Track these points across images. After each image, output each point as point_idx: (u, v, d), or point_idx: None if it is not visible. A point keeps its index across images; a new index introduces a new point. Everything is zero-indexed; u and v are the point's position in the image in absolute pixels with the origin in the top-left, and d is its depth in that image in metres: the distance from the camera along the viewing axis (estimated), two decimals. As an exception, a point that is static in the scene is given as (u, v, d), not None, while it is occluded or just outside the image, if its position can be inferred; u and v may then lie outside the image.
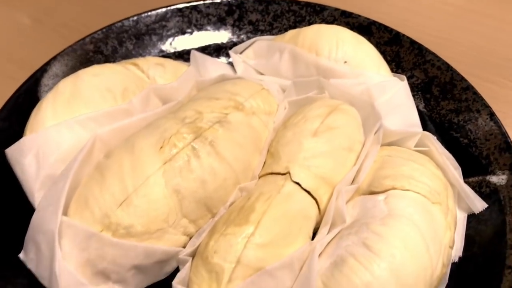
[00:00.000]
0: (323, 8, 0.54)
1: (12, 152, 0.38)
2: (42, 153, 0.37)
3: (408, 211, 0.34)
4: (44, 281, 0.33)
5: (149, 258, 0.34)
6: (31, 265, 0.34)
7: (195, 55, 0.49)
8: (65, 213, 0.34)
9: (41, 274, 0.33)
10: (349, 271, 0.31)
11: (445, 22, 0.63)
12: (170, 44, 0.54)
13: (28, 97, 0.45)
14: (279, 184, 0.36)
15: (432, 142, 0.41)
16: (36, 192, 0.36)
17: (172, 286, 0.32)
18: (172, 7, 0.54)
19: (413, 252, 0.32)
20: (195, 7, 0.55)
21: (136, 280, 0.35)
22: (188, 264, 0.34)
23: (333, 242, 0.34)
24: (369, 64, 0.46)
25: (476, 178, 0.42)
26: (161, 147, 0.35)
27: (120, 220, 0.33)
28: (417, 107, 0.48)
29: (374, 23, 0.52)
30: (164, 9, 0.54)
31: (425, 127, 0.47)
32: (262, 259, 0.32)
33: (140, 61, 0.45)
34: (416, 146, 0.41)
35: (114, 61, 0.51)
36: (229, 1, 0.55)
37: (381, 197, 0.36)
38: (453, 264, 0.37)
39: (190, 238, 0.36)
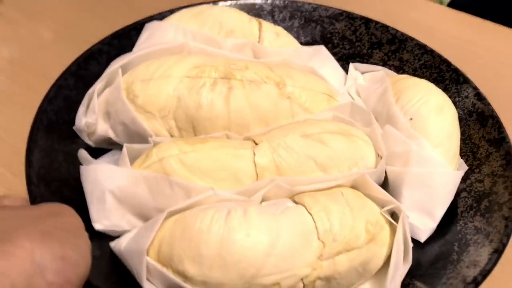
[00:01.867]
0: (465, 80, 0.52)
1: (146, 25, 0.53)
2: (152, 34, 0.51)
3: (286, 223, 0.35)
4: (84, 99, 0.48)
5: (133, 125, 0.44)
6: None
7: (321, 49, 0.55)
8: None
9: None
10: (201, 215, 0.36)
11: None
12: (325, 39, 0.60)
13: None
14: (243, 146, 0.42)
15: (402, 222, 0.38)
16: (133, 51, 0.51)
17: (123, 147, 0.43)
18: (347, 12, 0.60)
19: (251, 244, 0.34)
20: (367, 22, 0.59)
21: (122, 136, 0.46)
22: (147, 145, 0.43)
23: (227, 202, 0.38)
24: (432, 136, 0.45)
25: (421, 286, 0.38)
26: (196, 67, 0.45)
27: (135, 89, 0.45)
28: (458, 208, 0.44)
29: (494, 117, 0.48)
30: (339, 11, 0.60)
31: (443, 228, 0.43)
32: (175, 171, 0.39)
33: (266, 23, 0.54)
34: (393, 216, 0.40)
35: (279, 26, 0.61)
36: (396, 32, 0.58)
37: (290, 204, 0.38)
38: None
39: (171, 138, 0.45)
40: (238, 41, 0.51)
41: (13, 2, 0.72)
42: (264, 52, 0.51)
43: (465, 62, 0.58)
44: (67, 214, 0.32)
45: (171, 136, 0.45)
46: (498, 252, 0.37)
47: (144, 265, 0.35)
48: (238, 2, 0.61)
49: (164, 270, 0.35)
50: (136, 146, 0.43)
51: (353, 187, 0.41)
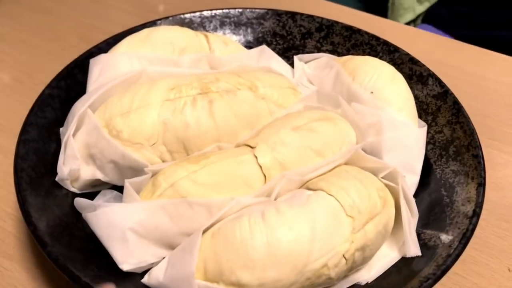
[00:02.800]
0: (396, 49, 0.58)
1: (91, 62, 0.52)
2: (104, 68, 0.50)
3: (316, 209, 0.38)
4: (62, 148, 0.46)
5: (124, 160, 0.44)
6: (61, 136, 0.47)
7: (264, 49, 0.58)
8: (95, 110, 0.47)
9: (62, 142, 0.46)
10: (238, 224, 0.37)
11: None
12: (258, 39, 0.64)
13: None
14: (242, 152, 0.43)
15: (401, 182, 0.43)
16: (88, 90, 0.50)
17: (125, 182, 0.42)
18: (273, 10, 0.64)
19: (295, 236, 0.36)
20: (293, 15, 0.64)
21: (112, 175, 0.45)
22: (147, 176, 0.43)
23: (252, 206, 0.40)
24: (393, 102, 0.50)
25: (432, 231, 0.43)
26: (172, 89, 0.45)
27: (116, 124, 0.44)
28: (429, 159, 0.50)
29: (432, 75, 0.55)
30: (265, 10, 0.64)
31: (424, 179, 0.48)
32: (190, 192, 0.40)
33: (212, 35, 0.56)
34: (386, 179, 0.44)
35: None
36: (322, 20, 0.63)
37: (309, 192, 0.40)
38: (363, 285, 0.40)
39: (163, 164, 0.46)
40: (193, 56, 0.52)
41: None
42: (219, 62, 0.53)
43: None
44: None
45: (163, 161, 0.45)
46: (482, 185, 0.44)
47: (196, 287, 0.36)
48: (169, 19, 0.62)
49: (216, 285, 0.36)
50: (137, 179, 0.43)
51: (348, 163, 0.45)
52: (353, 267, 0.39)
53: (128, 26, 0.61)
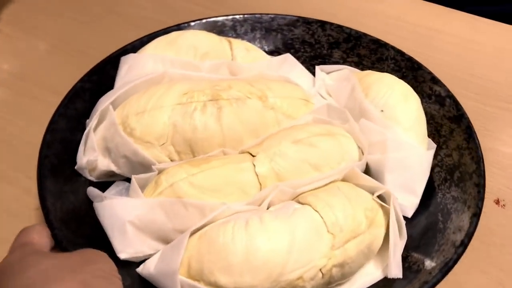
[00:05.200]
0: (419, 67, 0.58)
1: (122, 60, 0.56)
2: (131, 67, 0.54)
3: (298, 222, 0.40)
4: (82, 139, 0.51)
5: (135, 156, 0.48)
6: (86, 127, 0.52)
7: (287, 57, 0.59)
8: (117, 106, 0.51)
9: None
10: (222, 229, 0.40)
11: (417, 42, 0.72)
12: (287, 45, 0.65)
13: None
14: (243, 160, 0.46)
15: (393, 203, 0.44)
16: (115, 87, 0.54)
17: (132, 178, 0.46)
18: (304, 18, 0.65)
19: (273, 247, 0.38)
20: (323, 24, 0.65)
21: (124, 168, 0.49)
22: (153, 173, 0.46)
23: (240, 213, 0.42)
24: (402, 121, 0.50)
25: (419, 256, 0.44)
26: (185, 94, 0.48)
27: (131, 122, 0.48)
28: (434, 182, 0.50)
29: (451, 97, 0.54)
30: (296, 18, 0.65)
31: (425, 201, 0.49)
32: (187, 194, 0.43)
33: (235, 41, 0.58)
34: (381, 199, 0.45)
35: (242, 39, 0.65)
36: (351, 31, 0.63)
37: (297, 205, 0.42)
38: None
39: (171, 162, 0.49)
40: (214, 62, 0.55)
41: (10, 19, 0.77)
42: (239, 68, 0.55)
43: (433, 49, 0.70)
44: (101, 260, 0.36)
45: (172, 160, 0.49)
46: (476, 216, 0.44)
47: (178, 283, 0.39)
48: (202, 21, 0.65)
49: (197, 283, 0.39)
50: (143, 175, 0.46)
51: (345, 179, 0.46)
52: (331, 281, 0.41)
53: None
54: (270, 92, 0.51)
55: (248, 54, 0.57)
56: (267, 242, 0.39)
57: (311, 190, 0.45)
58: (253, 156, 0.46)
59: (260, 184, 0.45)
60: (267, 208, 0.44)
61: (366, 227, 0.42)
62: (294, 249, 0.39)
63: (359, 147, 0.49)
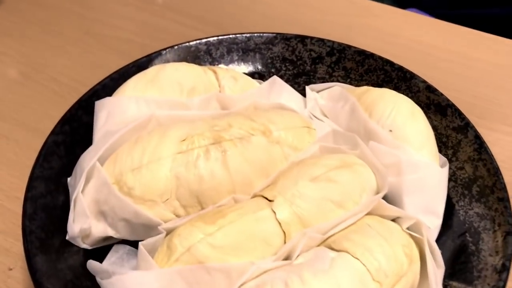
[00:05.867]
0: (412, 76, 0.56)
1: (97, 105, 0.50)
2: (111, 113, 0.48)
3: (341, 275, 0.36)
4: (71, 205, 0.44)
5: (137, 218, 0.42)
6: (70, 188, 0.46)
7: (275, 80, 0.55)
8: (103, 160, 0.45)
9: (71, 197, 0.45)
10: (259, 295, 0.36)
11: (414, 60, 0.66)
12: (267, 65, 0.61)
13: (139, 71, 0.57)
14: (260, 207, 0.41)
15: (426, 233, 0.41)
16: (95, 138, 0.48)
17: (139, 245, 0.41)
18: (281, 34, 0.61)
19: (321, 309, 0.35)
20: (302, 39, 0.61)
21: (124, 232, 0.43)
22: (161, 236, 0.41)
23: (272, 271, 0.38)
24: (413, 141, 0.48)
25: (459, 284, 0.41)
26: (183, 140, 0.43)
27: (127, 180, 0.42)
28: (452, 198, 0.48)
29: (451, 106, 0.53)
30: (273, 34, 0.61)
31: (447, 221, 0.47)
32: (208, 257, 0.38)
33: (220, 70, 0.53)
34: (410, 229, 0.42)
35: (217, 65, 0.61)
36: (333, 43, 0.60)
37: (332, 254, 0.39)
38: None
39: (177, 219, 0.44)
40: (203, 97, 0.50)
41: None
42: (230, 100, 0.51)
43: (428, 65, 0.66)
44: None
45: (177, 216, 0.44)
46: (511, 234, 0.42)
47: None
48: (174, 48, 0.59)
49: None
50: (151, 240, 0.41)
51: (370, 213, 0.43)
52: (381, 331, 0.38)
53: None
54: (272, 126, 0.47)
55: (236, 83, 0.53)
56: (314, 305, 0.35)
57: (340, 231, 0.41)
58: (269, 200, 0.42)
59: (284, 232, 0.41)
60: (297, 257, 0.40)
61: (408, 266, 0.39)
62: (343, 307, 0.35)
63: (374, 173, 0.46)
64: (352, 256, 0.38)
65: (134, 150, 0.43)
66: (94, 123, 0.49)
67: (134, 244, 0.43)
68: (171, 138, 0.44)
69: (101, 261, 0.43)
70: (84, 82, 0.55)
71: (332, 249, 0.40)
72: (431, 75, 0.58)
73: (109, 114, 0.48)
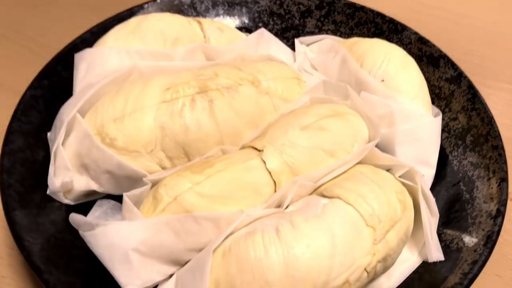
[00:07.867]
0: (403, 28, 0.54)
1: (76, 57, 0.47)
2: (92, 65, 0.46)
3: (334, 220, 0.35)
4: (51, 158, 0.42)
5: (121, 170, 0.40)
6: (50, 143, 0.44)
7: (263, 32, 0.53)
8: (84, 113, 0.43)
9: (51, 151, 0.43)
10: (251, 243, 0.34)
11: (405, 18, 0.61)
12: (254, 19, 0.59)
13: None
14: (249, 157, 0.40)
15: (419, 180, 0.40)
16: (75, 91, 0.46)
17: (123, 196, 0.39)
18: (269, -14, 0.59)
19: (314, 253, 0.33)
20: (291, -7, 0.59)
21: (108, 185, 0.42)
22: (146, 187, 0.40)
23: (262, 219, 0.37)
24: (406, 90, 0.46)
25: (454, 232, 0.41)
26: (167, 89, 0.41)
27: (109, 131, 0.40)
28: (445, 149, 0.47)
29: (444, 56, 0.51)
30: (260, -13, 0.59)
31: (440, 171, 0.46)
32: (196, 206, 0.37)
33: (205, 21, 0.51)
34: (404, 177, 0.41)
35: (203, 17, 0.58)
36: (322, -3, 0.58)
37: (324, 201, 0.37)
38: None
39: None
40: (188, 47, 0.48)
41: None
42: (216, 51, 0.49)
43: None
44: None
45: (163, 168, 0.42)
46: (505, 181, 0.41)
47: None
48: (157, 2, 0.57)
49: None
50: (135, 191, 0.39)
51: (362, 162, 0.42)
52: (374, 278, 0.37)
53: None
54: (261, 75, 0.45)
55: (222, 34, 0.51)
56: (307, 249, 0.33)
57: (332, 179, 0.40)
58: (259, 150, 0.41)
59: (274, 181, 0.39)
60: (287, 207, 0.39)
61: (402, 212, 0.38)
62: (336, 252, 0.34)
63: (366, 123, 0.45)
64: (345, 202, 0.36)
65: (116, 100, 0.41)
66: (74, 76, 0.47)
67: (119, 199, 0.42)
68: (154, 87, 0.42)
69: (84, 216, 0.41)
70: (65, 42, 0.51)
71: (324, 196, 0.38)
72: (423, 33, 0.56)
73: (89, 66, 0.46)
